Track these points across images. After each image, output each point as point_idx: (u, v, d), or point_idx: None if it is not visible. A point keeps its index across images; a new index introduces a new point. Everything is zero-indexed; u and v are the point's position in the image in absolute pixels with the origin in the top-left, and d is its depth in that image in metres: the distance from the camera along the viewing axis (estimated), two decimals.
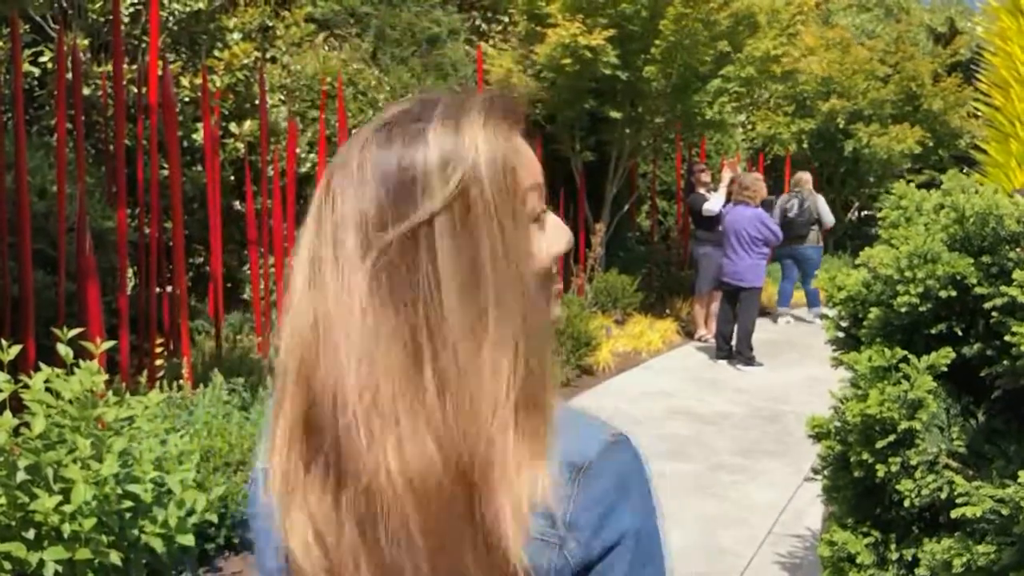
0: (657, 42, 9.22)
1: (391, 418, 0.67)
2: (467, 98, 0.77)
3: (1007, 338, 1.81)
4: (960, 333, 2.06)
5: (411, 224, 0.70)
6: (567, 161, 10.27)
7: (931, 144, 14.42)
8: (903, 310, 2.06)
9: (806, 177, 10.70)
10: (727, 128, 11.23)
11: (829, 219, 10.40)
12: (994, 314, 1.95)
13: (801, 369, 8.18)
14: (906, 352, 2.06)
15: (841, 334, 2.64)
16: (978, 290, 1.97)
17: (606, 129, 10.05)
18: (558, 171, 10.46)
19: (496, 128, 0.75)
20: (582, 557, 0.72)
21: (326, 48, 8.98)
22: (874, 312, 2.25)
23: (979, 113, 14.94)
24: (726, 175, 9.38)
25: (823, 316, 2.68)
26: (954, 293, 1.98)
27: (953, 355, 2.03)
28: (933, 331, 2.08)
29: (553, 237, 0.81)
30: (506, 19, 10.26)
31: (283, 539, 0.73)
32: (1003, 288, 1.89)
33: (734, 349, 8.51)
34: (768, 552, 4.32)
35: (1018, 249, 1.91)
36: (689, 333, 9.88)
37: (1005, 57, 15.73)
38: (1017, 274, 1.84)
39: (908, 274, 2.05)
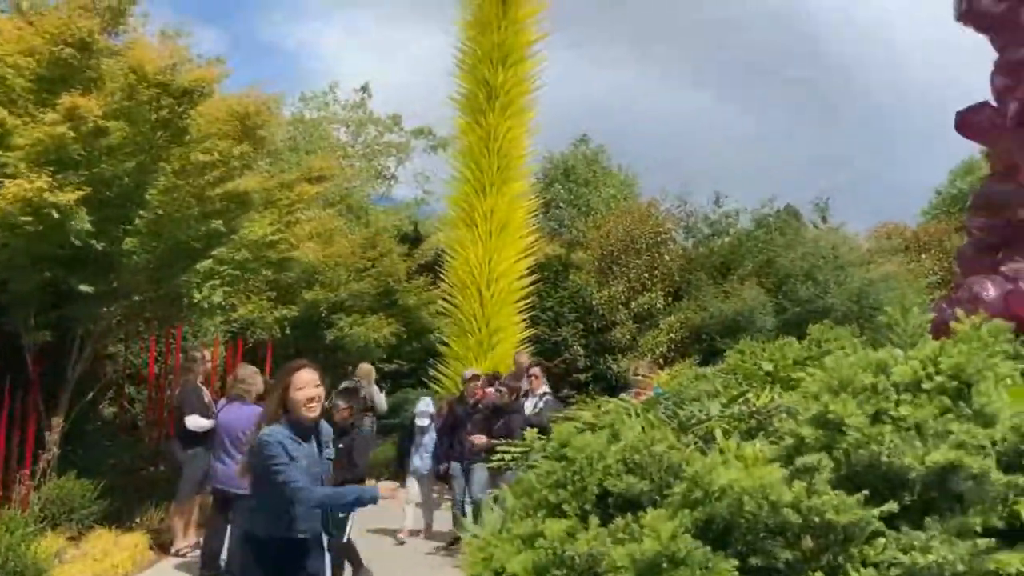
0: (142, 213, 8.13)
1: None
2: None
3: None
4: None
5: None
6: (17, 337, 8.34)
7: (405, 336, 15.16)
8: None
9: (367, 368, 11.56)
10: (213, 311, 10.30)
11: (382, 407, 11.55)
12: None
13: None
14: None
15: None
16: None
17: (72, 303, 8.44)
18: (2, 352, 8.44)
19: None
20: None
21: None
22: None
23: (444, 310, 16.27)
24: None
25: None
26: None
27: None
28: None
29: None
30: None
31: None
32: None
33: (224, 567, 7.36)
34: None
35: None
36: (165, 547, 8.41)
37: (463, 262, 17.47)
38: None
39: None
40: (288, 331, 13.61)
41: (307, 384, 4.22)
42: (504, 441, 8.43)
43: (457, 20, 16.79)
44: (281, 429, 4.21)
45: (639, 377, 8.64)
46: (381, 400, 11.58)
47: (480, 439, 8.94)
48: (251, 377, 7.87)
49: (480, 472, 8.94)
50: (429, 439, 10.01)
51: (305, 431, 4.28)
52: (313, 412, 4.25)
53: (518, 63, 16.59)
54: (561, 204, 24.09)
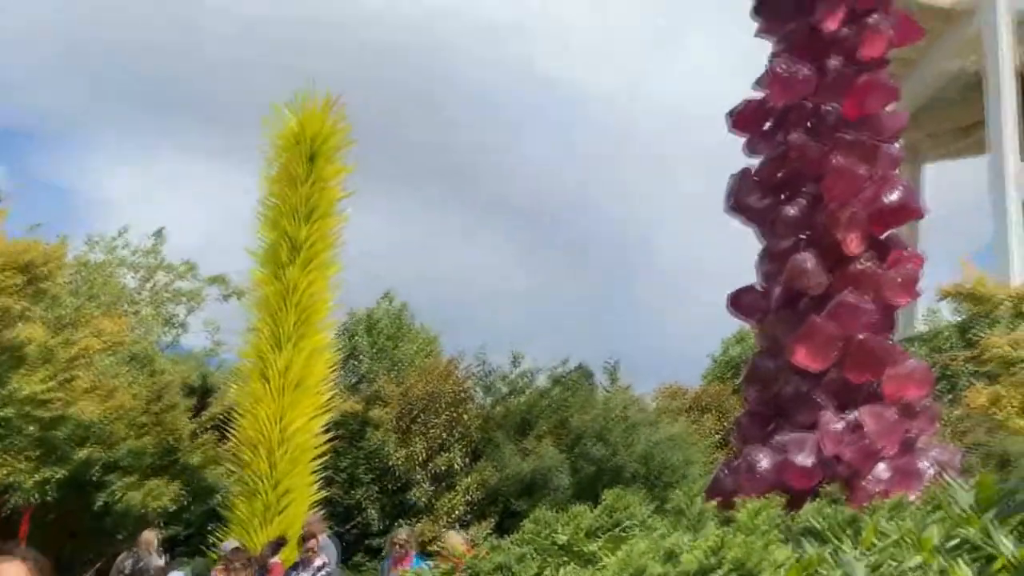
0: None
1: None
2: None
3: None
4: None
5: None
6: None
7: (187, 501, 14.09)
8: None
9: (149, 538, 11.05)
10: None
11: None
12: None
13: None
14: None
15: None
16: None
17: None
18: None
19: None
20: None
21: None
22: None
23: (232, 470, 15.34)
24: None
25: None
26: None
27: None
28: None
29: None
30: None
31: None
32: None
33: None
34: None
35: None
36: None
37: (253, 419, 16.67)
38: None
39: None
40: (52, 494, 12.30)
41: None
42: None
43: (262, 174, 16.78)
44: None
45: (397, 545, 8.70)
46: (160, 567, 10.68)
47: None
48: None
49: None
50: None
51: None
52: None
53: (323, 219, 16.67)
54: (362, 356, 23.81)
